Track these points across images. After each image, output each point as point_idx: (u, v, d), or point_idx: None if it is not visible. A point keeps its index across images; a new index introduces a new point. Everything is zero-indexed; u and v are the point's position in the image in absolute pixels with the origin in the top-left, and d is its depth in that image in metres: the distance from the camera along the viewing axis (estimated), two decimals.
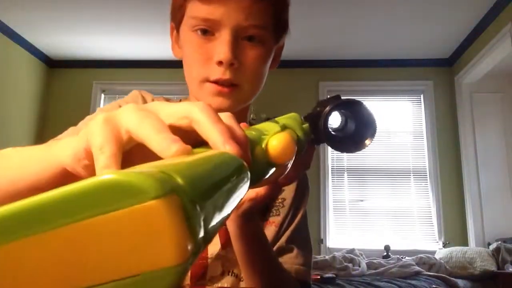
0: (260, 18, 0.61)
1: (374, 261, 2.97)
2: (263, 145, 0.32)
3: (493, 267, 2.89)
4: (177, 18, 0.65)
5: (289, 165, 0.36)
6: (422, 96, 3.91)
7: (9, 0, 3.12)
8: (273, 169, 0.34)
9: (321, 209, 3.68)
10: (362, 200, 3.75)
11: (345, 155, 3.86)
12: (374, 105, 3.92)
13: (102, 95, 4.11)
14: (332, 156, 3.85)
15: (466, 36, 3.46)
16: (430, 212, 3.67)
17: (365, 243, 3.52)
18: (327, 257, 2.92)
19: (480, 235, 3.42)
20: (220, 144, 0.25)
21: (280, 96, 3.68)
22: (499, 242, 3.10)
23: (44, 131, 3.92)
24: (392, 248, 3.29)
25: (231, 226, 0.56)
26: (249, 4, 0.59)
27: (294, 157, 0.36)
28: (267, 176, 0.34)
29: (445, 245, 3.44)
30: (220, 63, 0.59)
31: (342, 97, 0.45)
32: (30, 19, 3.39)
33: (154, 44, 3.66)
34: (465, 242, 3.47)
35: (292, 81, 3.85)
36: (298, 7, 2.84)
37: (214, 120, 0.26)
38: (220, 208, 0.19)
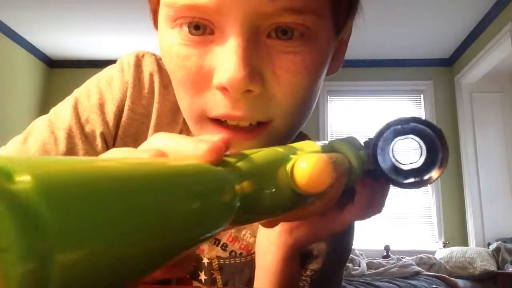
0: None
1: (374, 261, 2.97)
2: (288, 167, 0.23)
3: (493, 267, 2.89)
4: (152, 6, 0.39)
5: (333, 194, 0.28)
6: (422, 96, 3.91)
7: (9, 0, 3.12)
8: (304, 199, 0.25)
9: None
10: None
11: None
12: (374, 105, 3.92)
13: None
14: None
15: (466, 36, 3.46)
16: (430, 212, 3.66)
17: (365, 243, 3.52)
18: None
19: (480, 235, 3.42)
20: (193, 149, 0.19)
21: None
22: (499, 242, 3.10)
23: None
24: (392, 248, 3.29)
25: (270, 254, 0.37)
26: None
27: (338, 189, 0.28)
28: (295, 208, 0.25)
29: (445, 245, 3.43)
30: (224, 89, 0.32)
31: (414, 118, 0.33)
32: (30, 19, 3.39)
33: (155, 43, 3.65)
34: (465, 242, 3.47)
35: None
36: None
37: (178, 137, 0.21)
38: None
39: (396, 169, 0.33)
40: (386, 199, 0.35)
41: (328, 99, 3.92)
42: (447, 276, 2.74)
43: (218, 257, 0.47)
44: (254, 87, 0.32)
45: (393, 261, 2.94)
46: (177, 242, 0.15)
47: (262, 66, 0.33)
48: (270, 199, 0.22)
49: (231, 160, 0.20)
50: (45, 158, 0.11)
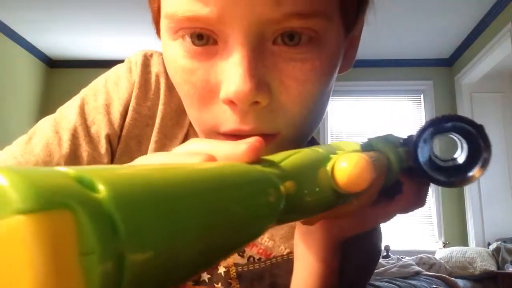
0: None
1: None
2: (329, 167, 0.24)
3: (493, 267, 2.89)
4: (154, 16, 0.39)
5: (372, 192, 0.28)
6: (422, 96, 3.91)
7: (9, 0, 3.12)
8: (344, 199, 0.25)
9: None
10: None
11: None
12: (374, 105, 3.92)
13: None
14: None
15: (466, 36, 3.46)
16: (430, 212, 3.66)
17: None
18: None
19: (480, 235, 3.42)
20: (232, 149, 0.19)
21: None
22: (499, 242, 3.10)
23: None
24: (392, 248, 3.29)
25: (312, 243, 0.35)
26: None
27: (376, 187, 0.28)
28: (334, 206, 0.25)
29: (445, 245, 3.43)
30: (231, 103, 0.31)
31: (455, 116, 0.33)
32: (30, 19, 3.39)
33: (155, 44, 3.65)
34: (465, 242, 3.47)
35: None
36: None
37: (213, 141, 0.21)
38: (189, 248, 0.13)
39: (435, 167, 0.32)
40: (428, 194, 0.35)
41: None
42: (447, 276, 2.74)
43: (236, 264, 0.44)
44: (262, 98, 0.31)
45: (393, 261, 2.94)
46: (228, 243, 0.16)
47: (269, 76, 0.31)
48: (312, 199, 0.22)
49: (275, 159, 0.21)
50: (114, 168, 0.13)
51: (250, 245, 0.45)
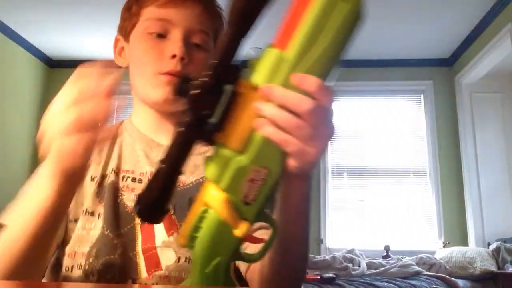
0: (207, 25, 0.70)
1: (374, 261, 2.97)
2: None
3: (493, 267, 2.89)
4: (127, 28, 0.75)
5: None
6: (422, 96, 3.91)
7: (9, 0, 3.12)
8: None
9: (321, 209, 3.68)
10: (362, 200, 3.75)
11: (344, 155, 3.85)
12: (374, 105, 3.92)
13: None
14: (332, 156, 3.85)
15: (466, 36, 3.46)
16: (430, 212, 3.66)
17: (365, 243, 3.52)
18: (327, 257, 2.92)
19: (480, 235, 3.42)
20: None
21: None
22: (499, 242, 3.10)
23: None
24: (392, 248, 3.29)
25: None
26: (200, 11, 0.69)
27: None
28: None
29: (445, 245, 3.43)
30: (173, 56, 0.65)
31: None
32: (30, 19, 3.39)
33: None
34: (465, 242, 3.47)
35: None
36: None
37: None
38: None
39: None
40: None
41: None
42: (447, 276, 2.74)
43: None
44: (186, 58, 0.67)
45: (393, 261, 2.94)
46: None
47: (189, 54, 0.67)
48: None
49: None
50: None
51: None
